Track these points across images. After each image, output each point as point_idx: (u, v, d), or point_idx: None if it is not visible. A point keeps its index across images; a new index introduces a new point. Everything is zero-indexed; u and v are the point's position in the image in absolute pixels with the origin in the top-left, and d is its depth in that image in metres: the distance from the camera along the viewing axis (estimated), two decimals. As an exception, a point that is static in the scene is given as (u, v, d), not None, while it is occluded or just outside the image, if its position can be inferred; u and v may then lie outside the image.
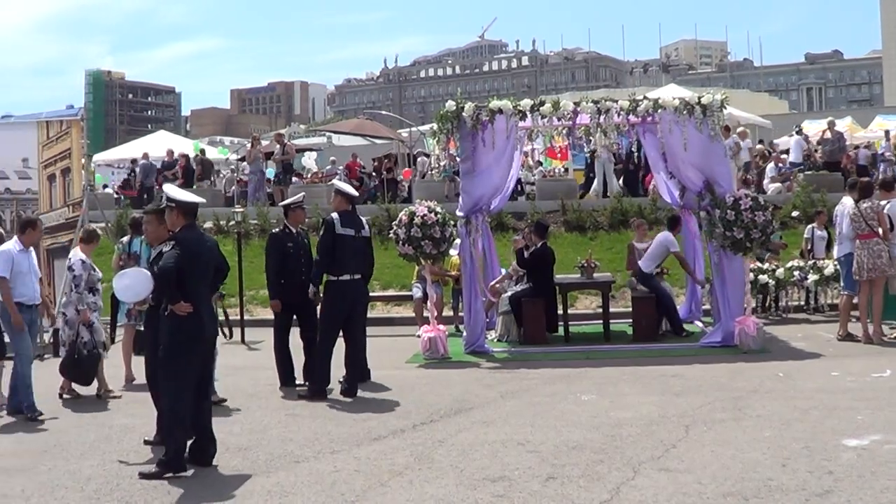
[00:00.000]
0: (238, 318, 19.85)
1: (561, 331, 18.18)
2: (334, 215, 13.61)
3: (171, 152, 36.89)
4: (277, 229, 14.79)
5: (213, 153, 49.12)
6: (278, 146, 34.95)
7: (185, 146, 44.17)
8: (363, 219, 14.18)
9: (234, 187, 38.09)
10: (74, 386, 13.83)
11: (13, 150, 21.01)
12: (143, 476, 9.44)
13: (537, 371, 14.89)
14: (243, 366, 16.09)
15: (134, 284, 10.24)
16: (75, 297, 13.54)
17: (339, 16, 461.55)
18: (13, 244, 13.16)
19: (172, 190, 10.59)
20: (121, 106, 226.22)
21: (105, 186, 42.39)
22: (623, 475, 8.85)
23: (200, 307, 9.69)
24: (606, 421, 11.19)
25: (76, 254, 13.93)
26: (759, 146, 33.60)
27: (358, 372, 13.59)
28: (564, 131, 17.90)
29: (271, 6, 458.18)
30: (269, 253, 14.39)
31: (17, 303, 12.78)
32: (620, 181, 30.95)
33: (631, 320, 18.13)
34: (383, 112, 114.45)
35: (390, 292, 22.45)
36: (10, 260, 12.84)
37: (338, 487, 8.84)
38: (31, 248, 13.50)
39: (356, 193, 15.09)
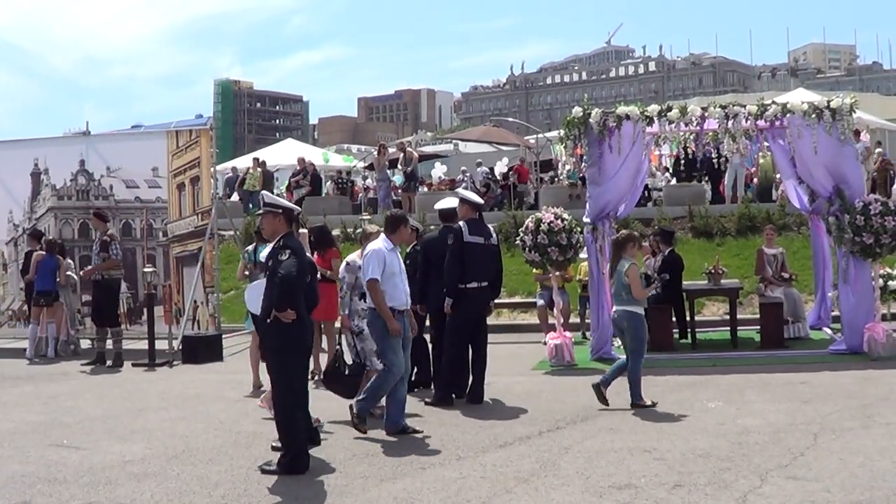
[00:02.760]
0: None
1: (688, 338, 18.05)
2: (462, 224, 13.67)
3: (301, 160, 37.32)
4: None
5: (338, 160, 49.61)
6: (402, 155, 35.21)
7: (313, 154, 44.68)
8: (490, 226, 14.22)
9: (361, 195, 38.47)
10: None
11: (143, 160, 21.46)
12: (264, 471, 9.66)
13: (664, 378, 14.79)
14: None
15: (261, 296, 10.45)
16: (345, 302, 12.77)
17: (466, 23, 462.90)
18: (382, 242, 12.05)
19: (275, 197, 10.86)
20: (249, 115, 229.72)
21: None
22: (750, 483, 8.77)
23: (303, 314, 9.89)
24: (733, 428, 11.09)
25: (349, 257, 13.05)
26: (877, 150, 32.86)
27: (483, 378, 13.62)
28: (692, 137, 17.77)
29: (398, 14, 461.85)
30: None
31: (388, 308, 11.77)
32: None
33: (758, 327, 17.90)
34: (510, 119, 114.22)
35: (516, 299, 22.48)
36: (382, 260, 11.76)
37: (463, 494, 8.88)
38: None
39: (481, 201, 15.14)
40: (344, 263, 12.93)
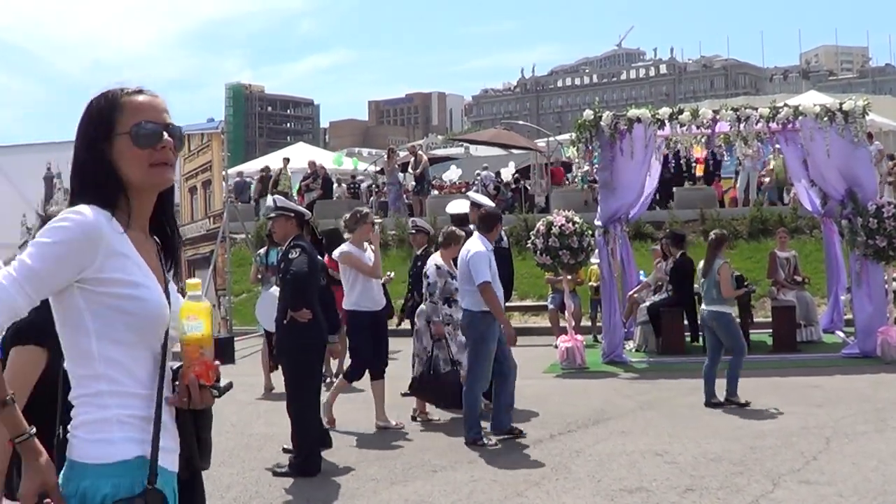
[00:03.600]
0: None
1: (700, 341, 18.03)
2: (472, 228, 13.65)
3: (312, 164, 37.33)
4: None
5: (349, 164, 49.65)
6: (412, 158, 35.23)
7: (324, 158, 44.73)
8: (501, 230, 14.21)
9: (372, 198, 38.49)
10: (428, 407, 12.85)
11: (155, 163, 21.48)
12: (275, 473, 9.68)
13: (676, 381, 14.79)
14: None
15: (272, 309, 10.51)
16: (429, 307, 12.42)
17: (476, 26, 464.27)
18: (482, 244, 11.55)
19: (287, 201, 10.91)
20: (260, 119, 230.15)
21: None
22: (762, 487, 8.76)
23: (318, 314, 9.91)
24: (746, 432, 11.08)
25: (435, 260, 12.54)
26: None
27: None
28: (703, 140, 17.74)
29: (407, 18, 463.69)
30: None
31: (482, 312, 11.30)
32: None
33: (771, 330, 17.87)
34: (520, 122, 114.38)
35: (528, 302, 22.48)
36: (488, 261, 11.35)
37: (475, 497, 8.89)
38: None
39: (492, 204, 15.12)
40: (434, 267, 12.44)
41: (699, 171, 31.75)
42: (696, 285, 16.34)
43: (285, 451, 10.57)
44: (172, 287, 3.37)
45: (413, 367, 12.70)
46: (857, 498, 8.31)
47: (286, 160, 38.35)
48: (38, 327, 4.29)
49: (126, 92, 3.31)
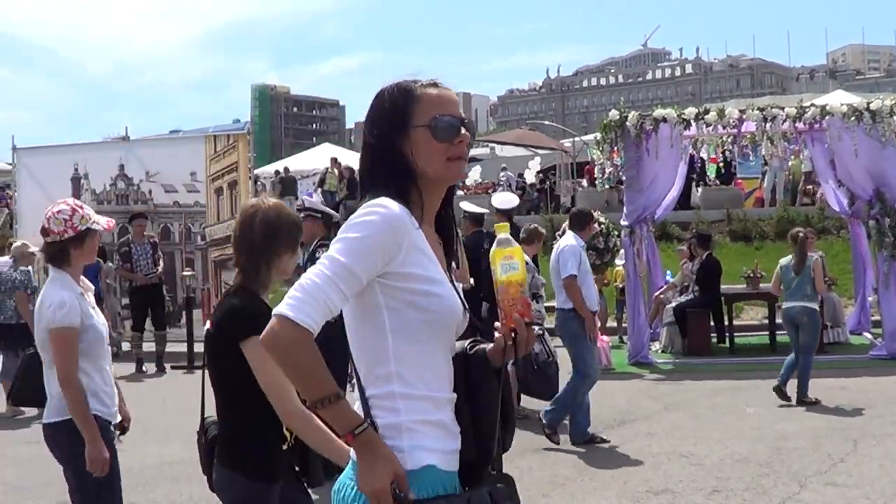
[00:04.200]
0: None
1: (727, 342, 17.99)
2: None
3: (336, 162, 37.43)
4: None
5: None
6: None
7: (349, 158, 44.78)
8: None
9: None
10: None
11: (181, 164, 21.54)
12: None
13: (701, 383, 14.76)
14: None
15: None
16: None
17: (501, 26, 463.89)
18: (575, 240, 11.50)
19: (315, 202, 10.91)
20: (286, 119, 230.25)
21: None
22: (789, 489, 8.73)
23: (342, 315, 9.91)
24: (772, 434, 11.04)
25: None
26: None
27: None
28: (729, 139, 17.69)
29: (431, 18, 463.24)
30: None
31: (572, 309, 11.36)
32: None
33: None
34: (546, 122, 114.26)
35: (553, 303, 22.41)
36: (579, 257, 11.32)
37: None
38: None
39: (517, 202, 15.04)
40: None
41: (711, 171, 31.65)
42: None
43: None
44: (458, 286, 3.31)
45: None
46: (885, 500, 8.27)
47: (334, 160, 38.53)
48: (265, 317, 4.42)
49: (421, 84, 3.29)
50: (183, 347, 18.53)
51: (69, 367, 5.50)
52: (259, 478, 4.63)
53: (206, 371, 4.95)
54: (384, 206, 3.08)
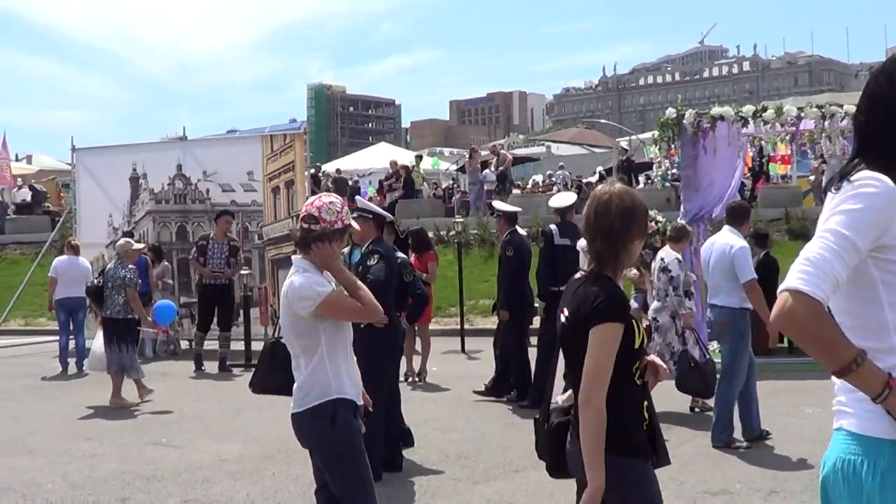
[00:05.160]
0: (458, 327, 20.15)
1: (785, 342, 17.83)
2: (552, 227, 13.68)
3: (394, 163, 37.55)
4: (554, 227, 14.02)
5: (429, 164, 49.86)
6: (495, 157, 35.25)
7: (406, 158, 44.92)
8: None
9: (455, 197, 38.60)
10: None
11: (239, 164, 21.69)
12: None
13: (760, 382, 14.57)
14: (464, 375, 16.27)
15: None
16: (675, 300, 12.44)
17: (557, 25, 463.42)
18: (738, 237, 11.43)
19: (366, 203, 10.97)
20: (342, 119, 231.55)
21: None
22: (849, 490, 8.64)
23: (394, 318, 9.93)
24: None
25: (669, 253, 12.65)
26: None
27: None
28: (788, 137, 17.55)
29: (487, 17, 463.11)
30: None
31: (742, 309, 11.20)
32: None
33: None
34: (602, 121, 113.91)
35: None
36: (751, 256, 11.37)
37: (556, 497, 8.87)
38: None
39: (570, 201, 14.99)
40: (675, 260, 12.55)
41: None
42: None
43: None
44: None
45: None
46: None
47: (419, 157, 38.64)
48: (624, 303, 4.60)
49: None
50: (240, 346, 18.63)
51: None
52: (630, 454, 4.71)
53: (559, 357, 4.98)
54: (879, 180, 3.05)
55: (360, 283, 6.03)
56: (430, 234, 26.86)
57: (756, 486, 8.92)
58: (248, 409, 14.08)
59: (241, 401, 14.80)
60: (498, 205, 15.09)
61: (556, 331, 12.86)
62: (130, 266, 15.32)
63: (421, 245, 15.49)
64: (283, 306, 6.00)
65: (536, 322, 14.22)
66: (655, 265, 12.61)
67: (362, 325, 9.97)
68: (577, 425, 4.78)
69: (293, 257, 6.15)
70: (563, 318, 4.83)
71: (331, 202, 6.00)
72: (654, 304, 12.56)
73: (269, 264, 21.14)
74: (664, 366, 4.95)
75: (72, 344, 18.86)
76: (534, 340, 14.21)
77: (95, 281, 15.76)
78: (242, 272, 19.00)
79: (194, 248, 19.05)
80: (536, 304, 13.87)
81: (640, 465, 4.75)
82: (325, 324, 5.84)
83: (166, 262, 20.56)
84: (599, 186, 5.02)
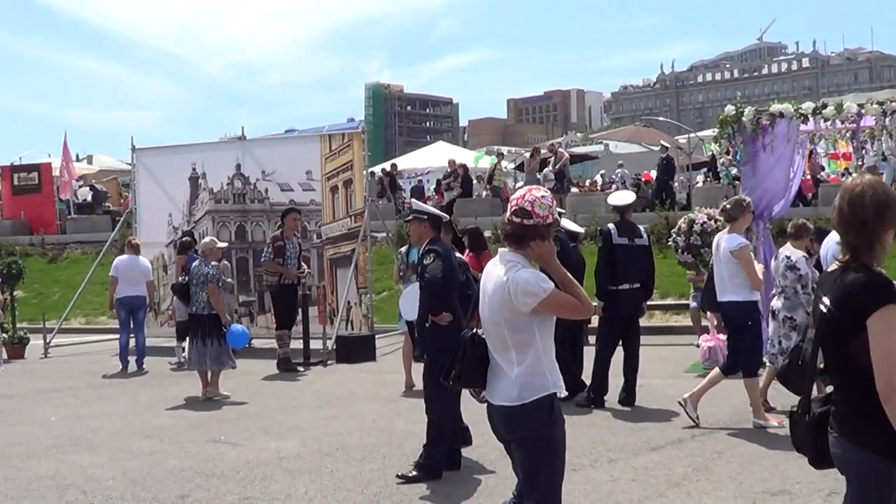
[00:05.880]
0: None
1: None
2: (610, 226, 13.64)
3: (452, 162, 37.53)
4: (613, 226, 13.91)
5: (486, 163, 49.82)
6: (553, 156, 35.17)
7: (463, 156, 44.91)
8: (640, 227, 14.12)
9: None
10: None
11: (297, 163, 21.82)
12: (403, 478, 9.68)
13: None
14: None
15: (415, 301, 10.56)
16: (804, 298, 12.22)
17: (616, 22, 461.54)
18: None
19: (421, 204, 10.97)
20: (400, 118, 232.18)
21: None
22: (911, 491, 8.55)
23: (459, 317, 9.90)
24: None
25: (793, 251, 12.49)
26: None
27: (635, 380, 13.53)
28: (848, 134, 17.39)
29: (544, 15, 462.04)
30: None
31: None
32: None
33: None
34: (660, 118, 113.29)
35: (669, 301, 22.26)
36: None
37: (615, 497, 8.85)
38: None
39: (581, 229, 14.98)
40: (802, 258, 12.45)
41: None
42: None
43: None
44: None
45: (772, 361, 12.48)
46: None
47: (501, 155, 38.64)
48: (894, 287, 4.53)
49: None
50: (298, 345, 18.71)
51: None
52: (888, 454, 4.63)
53: (822, 353, 4.97)
54: None
55: (573, 279, 5.98)
56: (488, 234, 26.92)
57: (816, 487, 8.83)
58: (307, 406, 14.18)
59: (299, 398, 14.92)
60: (567, 223, 15.10)
61: (615, 330, 12.83)
62: (213, 263, 15.73)
63: (476, 244, 15.48)
64: (498, 300, 5.90)
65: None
66: (779, 263, 12.47)
67: (426, 324, 10.02)
68: (837, 416, 4.80)
69: (501, 251, 6.06)
70: (822, 308, 4.76)
71: (542, 196, 5.93)
72: (778, 302, 12.41)
73: (327, 263, 21.25)
74: None
75: (132, 342, 19.02)
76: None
77: (182, 279, 16.47)
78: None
79: (269, 250, 18.56)
80: (595, 304, 13.82)
81: (893, 466, 4.69)
82: (538, 319, 5.83)
83: (225, 262, 20.72)
84: (850, 178, 5.00)
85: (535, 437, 6.02)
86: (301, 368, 18.06)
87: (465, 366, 6.36)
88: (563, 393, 6.07)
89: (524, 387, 5.88)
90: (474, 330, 6.25)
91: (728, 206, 12.41)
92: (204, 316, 15.43)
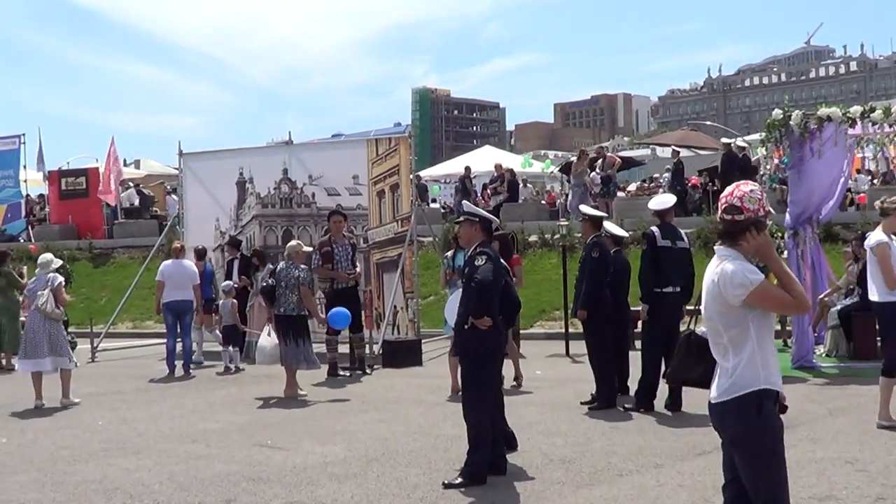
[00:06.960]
0: (563, 331, 20.16)
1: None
2: (654, 228, 13.64)
3: (499, 167, 37.51)
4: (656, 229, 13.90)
5: (538, 167, 49.77)
6: (601, 160, 35.08)
7: (510, 161, 44.89)
8: (681, 231, 14.07)
9: (560, 200, 38.46)
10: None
11: (344, 168, 21.90)
12: (447, 486, 9.67)
13: (868, 388, 14.39)
14: (568, 378, 16.27)
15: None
16: None
17: (662, 26, 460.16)
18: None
19: (474, 207, 11.00)
20: (446, 122, 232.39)
21: (433, 200, 43.70)
22: (959, 497, 8.50)
23: (498, 321, 9.92)
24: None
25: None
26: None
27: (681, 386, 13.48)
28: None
29: (591, 19, 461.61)
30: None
31: None
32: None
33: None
34: (708, 122, 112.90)
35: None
36: None
37: (661, 502, 8.83)
38: None
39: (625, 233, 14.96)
40: None
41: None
42: None
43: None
44: None
45: None
46: None
47: (498, 166, 38.68)
48: None
49: None
50: (344, 349, 18.74)
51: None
52: None
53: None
54: None
55: (792, 274, 5.98)
56: (535, 238, 26.92)
57: (863, 492, 8.79)
58: (353, 411, 14.22)
59: (345, 403, 14.97)
60: (584, 209, 15.11)
61: (661, 332, 12.87)
62: (302, 266, 16.30)
63: (505, 249, 15.48)
64: (710, 296, 5.95)
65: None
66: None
67: (465, 327, 10.03)
68: None
69: (717, 247, 6.07)
70: None
71: (751, 190, 5.93)
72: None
73: (374, 267, 21.31)
74: None
75: (179, 346, 19.13)
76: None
77: (270, 281, 16.62)
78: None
79: (317, 257, 18.29)
80: (640, 308, 13.79)
81: None
82: (753, 313, 5.83)
83: (270, 265, 20.79)
84: None
85: (745, 436, 6.00)
86: (347, 373, 18.10)
87: (677, 362, 6.45)
88: (781, 391, 5.97)
89: (734, 382, 5.91)
90: (692, 329, 6.29)
91: (886, 201, 12.18)
92: (293, 317, 15.99)
